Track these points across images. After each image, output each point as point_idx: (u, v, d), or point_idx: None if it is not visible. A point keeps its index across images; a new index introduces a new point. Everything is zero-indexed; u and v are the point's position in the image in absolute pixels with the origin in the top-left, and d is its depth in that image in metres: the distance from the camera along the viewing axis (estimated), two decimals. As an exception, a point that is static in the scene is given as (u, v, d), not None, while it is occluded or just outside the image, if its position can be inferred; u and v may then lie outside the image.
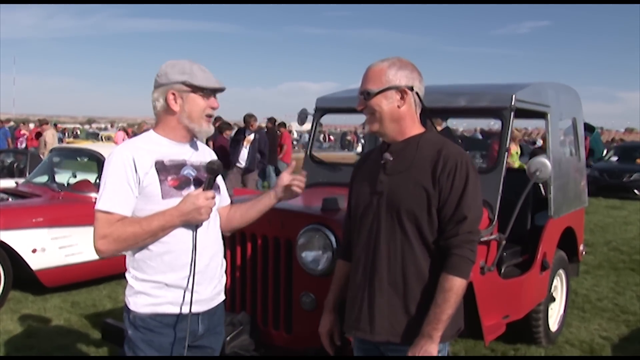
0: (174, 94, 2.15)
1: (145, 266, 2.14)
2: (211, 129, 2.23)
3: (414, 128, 2.14)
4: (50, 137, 12.93)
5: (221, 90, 2.23)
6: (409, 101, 2.10)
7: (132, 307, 2.16)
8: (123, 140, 15.97)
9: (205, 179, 2.14)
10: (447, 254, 2.02)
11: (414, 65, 2.14)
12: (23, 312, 5.29)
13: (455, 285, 1.98)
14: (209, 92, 2.18)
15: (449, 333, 2.05)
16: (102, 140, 27.05)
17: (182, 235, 2.12)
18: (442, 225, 2.03)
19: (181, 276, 2.13)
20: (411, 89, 2.09)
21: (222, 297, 2.34)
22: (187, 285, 2.12)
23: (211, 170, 2.12)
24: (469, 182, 2.02)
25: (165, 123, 2.20)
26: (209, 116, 2.21)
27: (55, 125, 32.11)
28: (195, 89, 2.14)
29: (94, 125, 44.57)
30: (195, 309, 2.15)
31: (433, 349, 1.98)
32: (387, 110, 2.09)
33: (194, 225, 2.11)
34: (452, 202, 2.01)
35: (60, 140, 24.35)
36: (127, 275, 2.20)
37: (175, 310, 2.14)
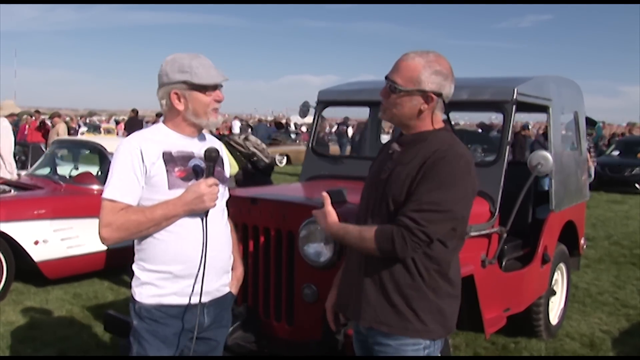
0: (176, 93, 2.15)
1: (152, 256, 2.15)
2: (219, 120, 2.24)
3: (430, 125, 2.09)
4: (63, 129, 12.94)
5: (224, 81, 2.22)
6: (432, 105, 2.05)
7: (137, 297, 2.18)
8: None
9: (204, 167, 2.14)
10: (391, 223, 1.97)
11: (449, 68, 2.06)
12: (25, 303, 5.31)
13: (368, 238, 1.98)
14: (213, 87, 2.17)
15: (437, 330, 2.04)
16: (102, 132, 27.02)
17: (189, 225, 2.13)
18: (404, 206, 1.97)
19: (188, 266, 2.14)
20: (439, 95, 2.03)
21: (227, 288, 2.34)
22: (197, 276, 2.13)
23: (209, 158, 2.12)
24: (448, 181, 1.93)
25: (172, 119, 2.22)
26: (216, 109, 2.20)
27: (73, 117, 32.05)
28: (197, 87, 2.14)
29: (95, 118, 44.60)
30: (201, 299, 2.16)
31: (321, 222, 2.17)
32: (407, 111, 2.06)
33: (202, 214, 2.12)
34: (420, 191, 1.94)
35: (82, 133, 24.29)
36: (133, 266, 2.21)
37: (179, 301, 2.16)
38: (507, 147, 3.69)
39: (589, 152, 13.63)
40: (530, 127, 16.12)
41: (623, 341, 4.77)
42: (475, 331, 4.30)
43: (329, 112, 4.83)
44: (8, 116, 8.31)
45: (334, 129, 20.48)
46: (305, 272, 3.09)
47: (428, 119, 2.08)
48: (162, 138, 2.18)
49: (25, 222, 5.45)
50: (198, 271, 2.14)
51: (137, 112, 17.99)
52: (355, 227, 2.08)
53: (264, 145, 6.08)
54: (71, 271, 5.83)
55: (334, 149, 17.38)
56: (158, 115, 15.69)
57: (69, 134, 17.28)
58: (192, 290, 2.15)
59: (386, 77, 2.09)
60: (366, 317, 2.09)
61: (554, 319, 4.80)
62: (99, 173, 6.48)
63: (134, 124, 16.30)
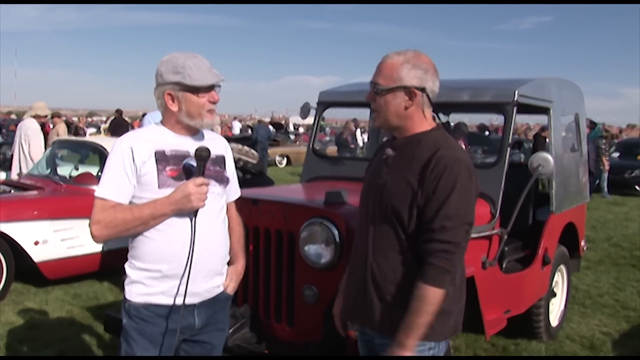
0: (170, 94, 2.14)
1: (142, 254, 2.15)
2: (215, 121, 2.21)
3: (422, 126, 2.08)
4: (63, 129, 12.93)
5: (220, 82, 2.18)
6: (417, 102, 2.03)
7: (127, 296, 2.19)
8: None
9: (195, 167, 2.11)
10: (423, 262, 1.95)
11: (430, 63, 2.05)
12: (25, 304, 5.31)
13: (429, 295, 1.92)
14: (207, 88, 2.15)
15: (443, 332, 2.04)
16: (102, 133, 27.00)
17: (178, 224, 2.11)
18: (423, 228, 1.97)
19: (175, 266, 2.12)
20: (422, 89, 2.02)
21: (220, 289, 2.30)
22: (183, 276, 2.12)
23: (199, 157, 2.09)
24: (456, 189, 1.93)
25: (168, 119, 2.21)
26: (212, 110, 2.18)
27: (81, 119, 31.90)
28: (190, 88, 2.11)
29: (96, 118, 44.67)
30: (188, 300, 2.14)
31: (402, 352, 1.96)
32: (393, 110, 2.04)
33: (191, 214, 2.09)
34: (432, 207, 1.94)
35: (90, 134, 24.04)
36: (126, 264, 2.22)
37: (167, 301, 2.15)
38: (508, 148, 3.69)
39: (604, 154, 13.76)
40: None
41: (623, 343, 4.77)
42: (476, 333, 4.31)
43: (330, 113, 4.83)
44: (34, 117, 8.28)
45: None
46: (305, 273, 3.09)
47: (417, 117, 2.06)
48: (157, 137, 2.17)
49: (25, 223, 5.45)
50: (184, 271, 2.12)
51: (122, 112, 16.88)
52: (412, 308, 1.93)
53: (246, 148, 6.08)
54: (71, 271, 5.82)
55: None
56: (144, 115, 15.17)
57: (77, 135, 17.15)
58: (178, 291, 2.14)
59: (370, 82, 2.10)
60: (374, 322, 2.09)
61: (554, 320, 4.80)
62: (99, 173, 6.47)
63: (118, 124, 15.28)
